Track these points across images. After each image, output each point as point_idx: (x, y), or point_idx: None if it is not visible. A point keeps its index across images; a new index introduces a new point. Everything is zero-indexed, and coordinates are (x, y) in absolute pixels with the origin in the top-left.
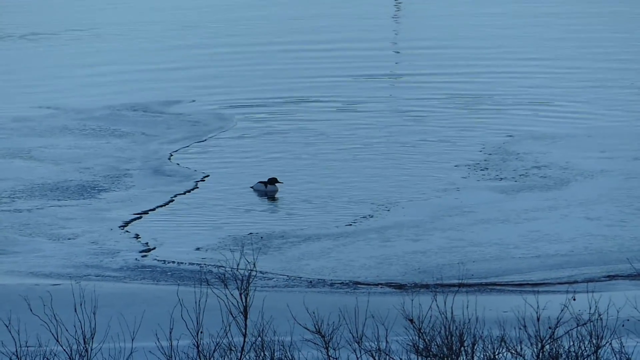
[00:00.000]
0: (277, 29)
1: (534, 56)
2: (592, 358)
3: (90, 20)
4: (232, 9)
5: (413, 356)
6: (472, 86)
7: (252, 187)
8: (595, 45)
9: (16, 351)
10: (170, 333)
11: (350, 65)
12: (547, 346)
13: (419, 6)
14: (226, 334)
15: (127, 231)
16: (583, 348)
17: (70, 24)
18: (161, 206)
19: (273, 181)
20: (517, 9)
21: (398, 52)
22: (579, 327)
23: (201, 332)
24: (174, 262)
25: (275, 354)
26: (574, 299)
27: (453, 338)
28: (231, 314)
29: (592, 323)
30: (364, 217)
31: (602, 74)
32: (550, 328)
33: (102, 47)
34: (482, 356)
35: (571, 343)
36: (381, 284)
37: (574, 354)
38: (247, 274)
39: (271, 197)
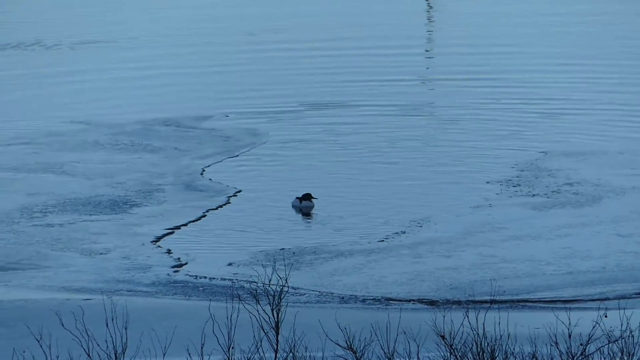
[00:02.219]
0: (304, 30)
1: (569, 62)
2: None
3: (121, 31)
4: (259, 17)
5: None
6: (505, 95)
7: (292, 204)
8: None
9: None
10: (202, 348)
11: (382, 70)
12: None
13: (452, 5)
14: (257, 350)
15: (159, 246)
16: None
17: (97, 35)
18: (193, 221)
19: (308, 197)
20: (555, 6)
21: (431, 57)
22: (610, 344)
23: (232, 348)
24: (205, 277)
25: None
26: (606, 316)
27: (484, 354)
28: (263, 330)
29: (623, 340)
30: (396, 233)
31: (634, 90)
32: (581, 345)
33: (131, 58)
34: None
35: None
36: (413, 300)
37: None
38: (278, 289)
39: (306, 213)
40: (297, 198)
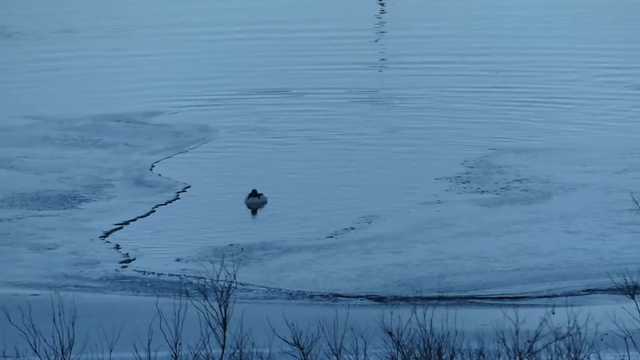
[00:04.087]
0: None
1: (517, 65)
2: None
3: (75, 23)
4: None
5: None
6: (454, 96)
7: (246, 202)
8: (601, 47)
9: None
10: (149, 344)
11: (332, 56)
12: (526, 359)
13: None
14: (205, 346)
15: (107, 242)
16: None
17: (47, 26)
18: (142, 217)
19: (254, 193)
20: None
21: (382, 43)
22: (557, 341)
23: (180, 344)
24: (153, 273)
25: None
26: (553, 313)
27: (432, 351)
28: (210, 326)
29: (570, 337)
30: (345, 229)
31: (592, 85)
32: (528, 342)
33: (84, 54)
34: None
35: (549, 357)
36: (361, 296)
37: None
38: (226, 285)
39: (254, 209)
40: (251, 195)
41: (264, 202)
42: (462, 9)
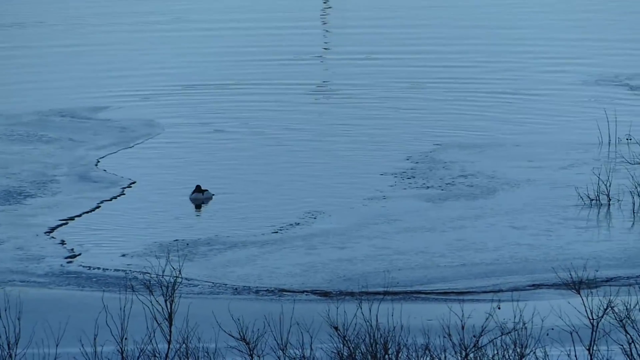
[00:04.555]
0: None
1: (462, 59)
2: None
3: (20, 17)
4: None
5: None
6: (400, 89)
7: (190, 198)
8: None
9: None
10: (95, 339)
11: (277, 66)
12: (471, 355)
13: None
14: (150, 341)
15: (52, 237)
16: (507, 357)
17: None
18: (87, 212)
19: (199, 189)
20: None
21: (328, 35)
22: (503, 336)
23: (125, 339)
24: (99, 268)
25: None
26: (499, 308)
27: (377, 346)
28: (156, 321)
29: (516, 332)
30: (290, 225)
31: (539, 80)
32: (474, 337)
33: (29, 47)
34: None
35: (495, 352)
36: (306, 291)
37: None
38: (172, 280)
39: (201, 204)
40: (195, 192)
41: (209, 198)
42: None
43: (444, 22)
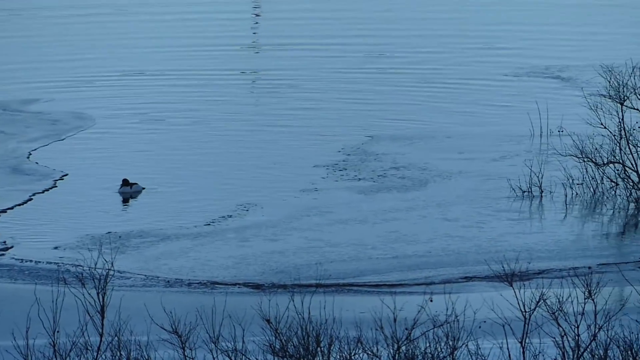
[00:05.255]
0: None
1: (392, 52)
2: (449, 359)
3: None
4: None
5: (270, 356)
6: (332, 80)
7: (118, 192)
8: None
9: None
10: (27, 332)
11: (212, 60)
12: (404, 347)
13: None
14: (83, 334)
15: None
16: (439, 349)
17: None
18: (19, 205)
19: (126, 183)
20: None
21: (257, 51)
22: (435, 329)
23: (58, 331)
24: (31, 260)
25: (131, 354)
26: (431, 300)
27: (310, 338)
28: (88, 314)
29: (448, 324)
30: (222, 217)
31: (470, 72)
32: (406, 329)
33: None
34: (338, 357)
35: (427, 344)
36: (239, 283)
37: (430, 355)
38: (104, 273)
39: (131, 197)
40: (123, 185)
41: (137, 192)
42: None
43: (378, 13)
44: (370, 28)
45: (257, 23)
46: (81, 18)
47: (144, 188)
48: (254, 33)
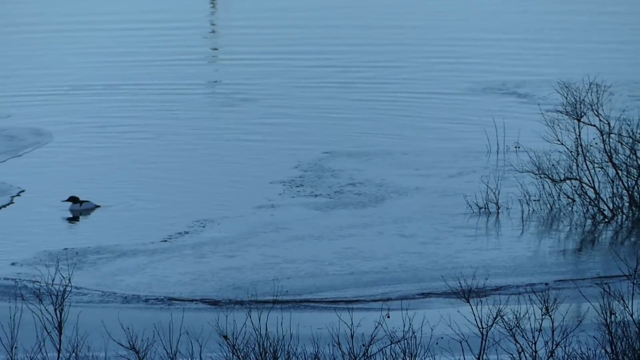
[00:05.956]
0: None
1: (350, 68)
2: None
3: None
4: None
5: None
6: (288, 94)
7: (70, 209)
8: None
9: None
10: None
11: (166, 71)
12: None
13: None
14: (40, 350)
15: None
16: None
17: None
18: None
19: (75, 199)
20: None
21: (213, 63)
22: (392, 345)
23: (15, 347)
24: None
25: None
26: (388, 317)
27: (267, 355)
28: (46, 330)
29: (405, 341)
30: (179, 233)
31: (420, 87)
32: (364, 345)
33: None
34: None
35: None
36: (196, 300)
37: None
38: (62, 289)
39: (80, 215)
40: (72, 203)
41: (88, 209)
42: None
43: (336, 23)
44: (327, 40)
45: (213, 32)
46: (32, 31)
47: (97, 206)
48: (210, 43)
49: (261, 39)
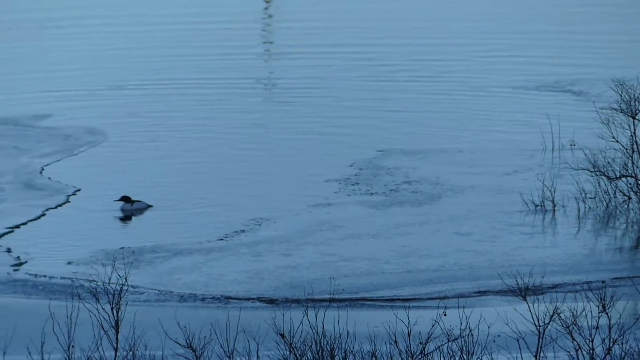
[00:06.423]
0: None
1: (405, 65)
2: None
3: None
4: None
5: None
6: (343, 91)
7: (121, 209)
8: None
9: None
10: (42, 347)
11: (223, 73)
12: None
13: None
14: (97, 348)
15: None
16: None
17: None
18: (32, 220)
19: (127, 199)
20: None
21: (268, 60)
22: (449, 343)
23: (72, 346)
24: (45, 276)
25: None
26: (445, 315)
27: (324, 353)
28: (103, 328)
29: (462, 338)
30: (235, 232)
31: (473, 85)
32: (421, 343)
33: None
34: None
35: (442, 358)
36: (252, 298)
37: None
38: (118, 288)
39: (135, 214)
40: (124, 202)
41: (139, 209)
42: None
43: (389, 22)
44: (383, 38)
45: (267, 26)
46: (78, 28)
47: (150, 205)
48: (265, 39)
49: (316, 34)
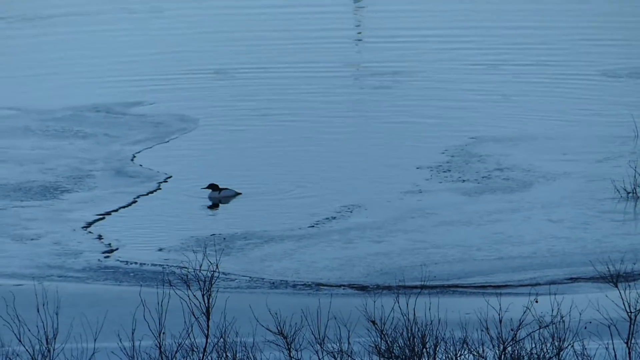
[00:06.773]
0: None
1: (496, 51)
2: None
3: (42, 9)
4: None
5: (375, 358)
6: (434, 85)
7: (209, 197)
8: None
9: None
10: (133, 334)
11: (312, 58)
12: (509, 348)
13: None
14: (188, 335)
15: (89, 232)
16: (545, 350)
17: (18, 12)
18: (124, 207)
19: (215, 187)
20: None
21: (359, 46)
22: (541, 329)
23: (163, 333)
24: (136, 262)
25: (237, 355)
26: (537, 301)
27: (415, 340)
28: (193, 315)
29: (554, 325)
30: (326, 219)
31: (564, 71)
32: (512, 330)
33: (61, 42)
34: (444, 358)
35: (533, 345)
36: (343, 285)
37: (536, 356)
38: (209, 275)
39: (223, 202)
40: (212, 190)
41: (227, 196)
42: None
43: (478, 11)
44: (475, 23)
45: (358, 9)
46: (173, 18)
47: (238, 193)
48: (355, 23)
49: (407, 20)
